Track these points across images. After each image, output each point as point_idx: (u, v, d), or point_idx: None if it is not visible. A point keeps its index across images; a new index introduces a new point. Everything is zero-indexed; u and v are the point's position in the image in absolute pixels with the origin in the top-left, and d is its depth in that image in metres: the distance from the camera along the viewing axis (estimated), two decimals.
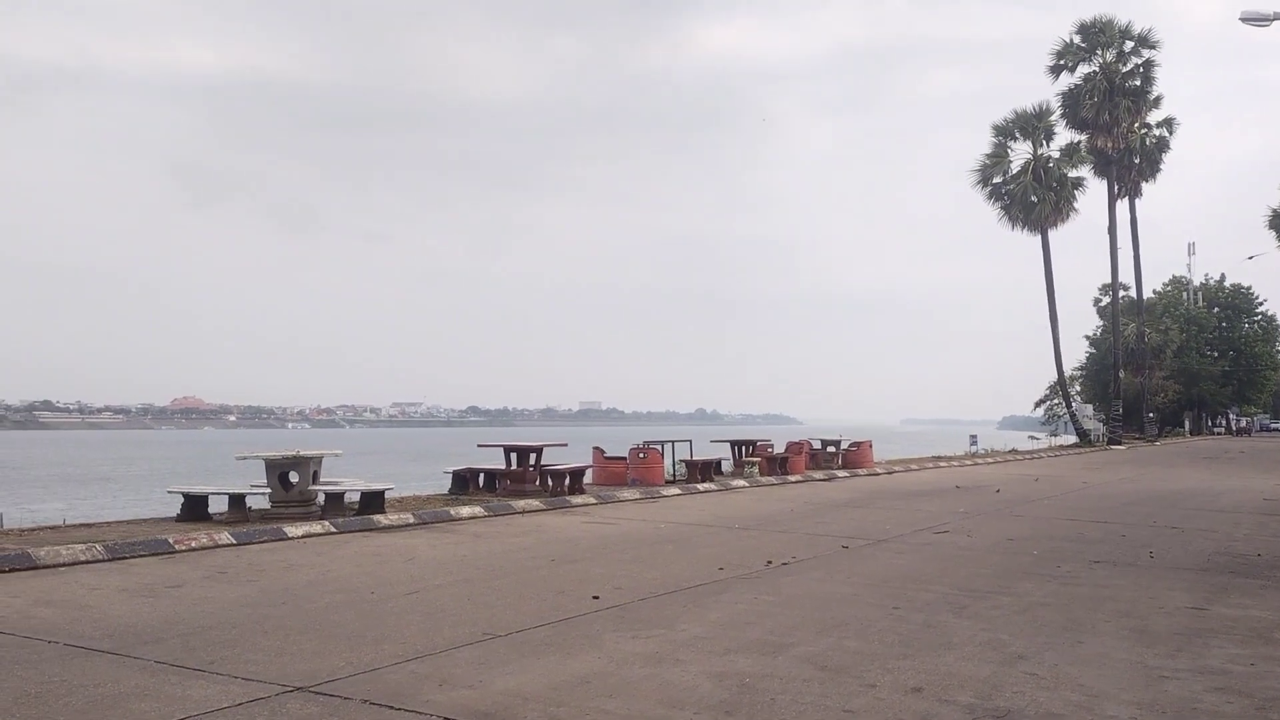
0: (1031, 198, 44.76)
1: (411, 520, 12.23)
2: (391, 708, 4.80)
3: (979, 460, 30.36)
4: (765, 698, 5.02)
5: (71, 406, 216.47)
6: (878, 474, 23.18)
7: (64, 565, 8.82)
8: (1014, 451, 37.00)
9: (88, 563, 8.98)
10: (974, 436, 38.13)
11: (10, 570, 8.47)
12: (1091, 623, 6.96)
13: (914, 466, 26.12)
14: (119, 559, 9.21)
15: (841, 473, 22.66)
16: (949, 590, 8.14)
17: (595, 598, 7.62)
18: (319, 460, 12.55)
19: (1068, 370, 52.58)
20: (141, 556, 9.37)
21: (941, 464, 27.52)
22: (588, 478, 17.26)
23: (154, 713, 4.69)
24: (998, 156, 46.09)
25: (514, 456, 16.17)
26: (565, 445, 18.06)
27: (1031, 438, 47.36)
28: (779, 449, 22.24)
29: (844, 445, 24.61)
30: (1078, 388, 59.74)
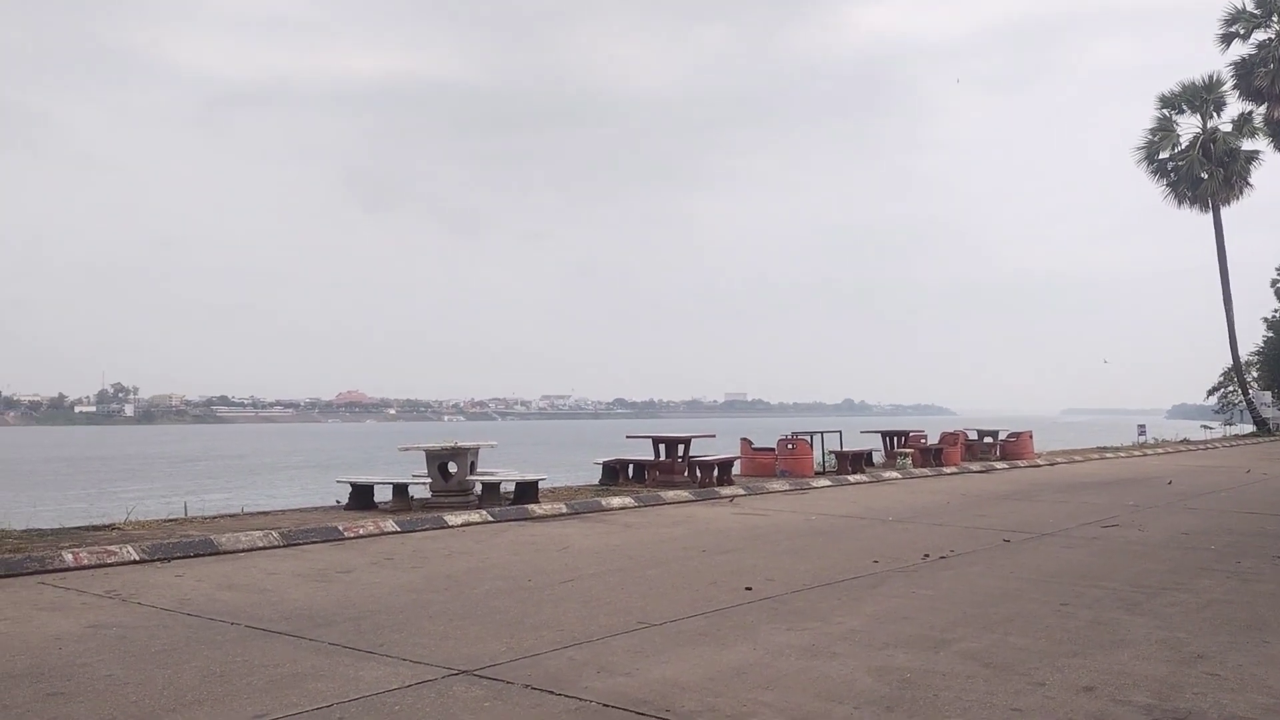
0: (1200, 173, 42.33)
1: (564, 510, 12.45)
2: (552, 693, 4.90)
3: (1148, 451, 28.92)
4: (927, 694, 4.90)
5: (246, 401, 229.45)
6: (1039, 466, 22.36)
7: (243, 551, 9.33)
8: (1185, 442, 35.09)
9: (265, 549, 9.48)
10: (1142, 426, 36.35)
11: (195, 556, 9.02)
12: (1278, 622, 6.54)
13: (1077, 458, 25.08)
14: (293, 545, 9.69)
15: (1000, 464, 21.94)
16: (1120, 586, 7.78)
17: (748, 589, 7.60)
18: (476, 451, 12.92)
19: (1243, 355, 49.44)
20: (314, 543, 9.83)
21: (1107, 455, 26.34)
22: (736, 469, 17.22)
23: (330, 692, 4.91)
24: (1163, 131, 43.73)
25: (663, 448, 16.27)
26: (713, 436, 18.07)
27: (1204, 427, 44.78)
28: (933, 440, 21.69)
29: (1002, 436, 23.81)
30: (1255, 374, 56.11)
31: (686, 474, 15.85)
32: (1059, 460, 24.13)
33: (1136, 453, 27.96)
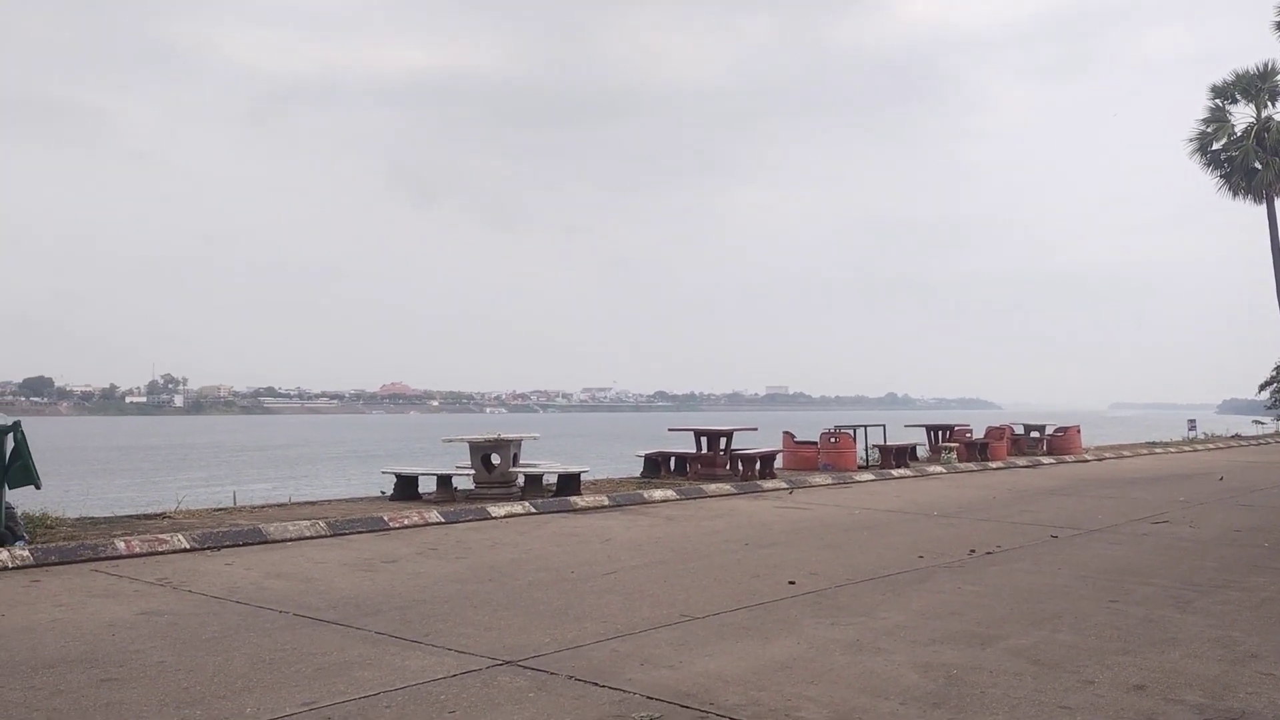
0: (1254, 164, 41.46)
1: (606, 502, 12.48)
2: (596, 684, 4.91)
3: (1198, 447, 28.42)
4: (974, 690, 4.85)
5: (292, 393, 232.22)
6: (1087, 461, 22.05)
7: (291, 540, 9.45)
8: (1237, 437, 34.45)
9: (312, 538, 9.60)
10: (1192, 421, 35.70)
11: (244, 545, 9.15)
12: None
13: (1126, 453, 24.71)
14: (340, 535, 9.80)
15: (1047, 459, 21.67)
16: (1170, 583, 7.66)
17: (791, 583, 7.57)
18: (519, 443, 12.99)
19: None
20: (360, 533, 9.94)
21: (1156, 450, 25.93)
22: (778, 462, 17.17)
23: (376, 681, 4.96)
24: (1216, 121, 42.84)
25: (704, 441, 16.26)
26: (755, 430, 18.02)
27: (1257, 422, 43.88)
28: (978, 434, 21.48)
29: (1049, 430, 23.52)
30: None
31: (728, 467, 15.82)
32: (1107, 455, 23.79)
33: (1186, 448, 27.49)
